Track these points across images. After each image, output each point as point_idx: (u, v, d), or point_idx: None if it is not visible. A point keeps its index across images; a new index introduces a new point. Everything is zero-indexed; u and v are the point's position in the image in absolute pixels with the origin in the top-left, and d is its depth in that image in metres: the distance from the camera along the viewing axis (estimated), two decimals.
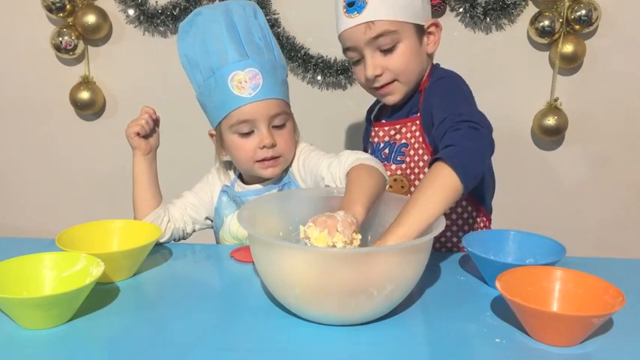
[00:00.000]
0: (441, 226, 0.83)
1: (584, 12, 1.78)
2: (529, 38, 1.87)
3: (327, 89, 1.96)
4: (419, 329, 0.81)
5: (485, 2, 1.82)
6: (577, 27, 1.80)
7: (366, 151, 1.33)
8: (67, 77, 2.01)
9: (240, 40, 1.10)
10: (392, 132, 1.18)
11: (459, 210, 1.16)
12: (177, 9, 1.90)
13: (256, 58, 1.10)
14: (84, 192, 2.12)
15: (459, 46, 1.85)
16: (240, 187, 1.21)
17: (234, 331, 0.80)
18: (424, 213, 0.84)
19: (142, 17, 1.94)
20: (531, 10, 1.84)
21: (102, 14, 1.94)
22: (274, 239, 0.85)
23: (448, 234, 1.17)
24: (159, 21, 1.92)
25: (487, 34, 1.88)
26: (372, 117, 1.29)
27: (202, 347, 0.75)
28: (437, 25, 1.16)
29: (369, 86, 1.16)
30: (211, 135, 1.21)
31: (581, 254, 1.09)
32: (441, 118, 0.99)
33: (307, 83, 1.95)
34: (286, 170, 1.18)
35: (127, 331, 0.80)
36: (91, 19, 1.92)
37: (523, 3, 1.83)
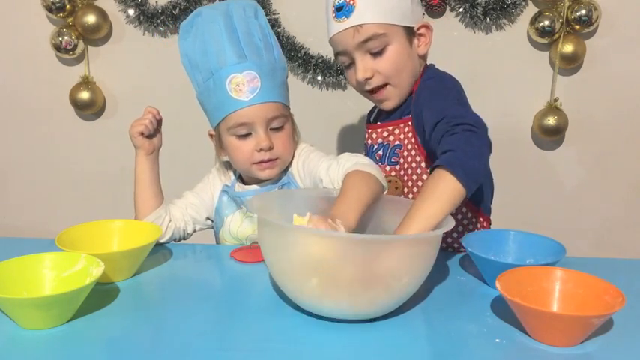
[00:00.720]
0: (451, 223, 0.83)
1: (584, 12, 1.78)
2: (529, 38, 1.87)
3: (327, 89, 1.96)
4: (419, 329, 0.81)
5: (486, 2, 1.82)
6: (577, 27, 1.80)
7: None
8: (67, 77, 2.01)
9: (239, 41, 1.10)
10: (385, 134, 1.19)
11: (459, 217, 1.16)
12: (177, 9, 1.90)
13: (255, 60, 1.09)
14: (84, 192, 2.12)
15: (459, 46, 1.85)
16: (239, 187, 1.21)
17: (235, 331, 0.80)
18: (429, 219, 0.84)
19: (142, 17, 1.94)
20: (531, 10, 1.84)
21: (102, 14, 1.94)
22: (291, 224, 0.84)
23: (449, 240, 1.17)
24: (159, 21, 1.92)
25: (487, 34, 1.88)
26: (372, 119, 1.29)
27: (202, 347, 0.75)
28: (427, 26, 1.16)
29: (361, 89, 1.17)
30: (211, 135, 1.21)
31: (581, 254, 1.10)
32: (434, 122, 0.98)
33: (307, 83, 1.95)
34: (285, 171, 1.18)
35: (127, 331, 0.80)
36: (91, 19, 1.92)
37: (523, 3, 1.83)
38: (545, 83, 1.89)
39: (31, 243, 1.11)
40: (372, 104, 1.32)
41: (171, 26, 1.94)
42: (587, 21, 1.79)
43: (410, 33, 1.13)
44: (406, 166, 1.15)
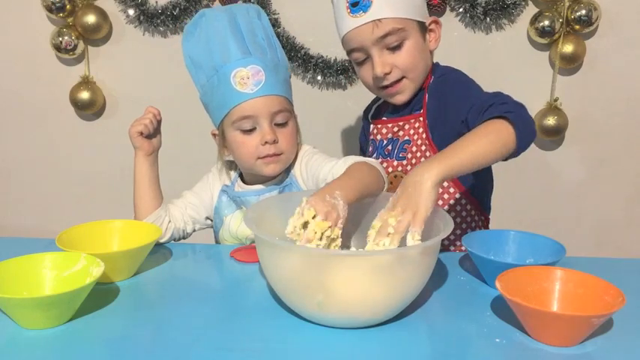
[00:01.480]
0: (449, 227, 0.83)
1: (584, 12, 1.78)
2: (529, 38, 1.87)
3: (327, 89, 1.96)
4: (419, 329, 0.81)
5: (486, 2, 1.82)
6: (577, 27, 1.80)
7: (363, 150, 1.33)
8: (67, 77, 2.01)
9: (243, 38, 1.10)
10: (395, 129, 1.19)
11: (458, 208, 1.16)
12: (178, 9, 1.90)
13: (259, 56, 1.10)
14: (84, 192, 2.12)
15: (459, 46, 1.85)
16: (240, 186, 1.21)
17: (234, 331, 0.80)
18: (473, 156, 0.85)
19: (142, 17, 1.94)
20: (531, 10, 1.84)
21: (102, 14, 1.94)
22: (299, 244, 0.83)
23: (448, 241, 1.17)
24: (159, 21, 1.92)
25: (487, 34, 1.88)
26: (370, 116, 1.29)
27: (202, 347, 0.75)
28: (437, 22, 1.17)
29: (378, 85, 1.16)
30: (214, 135, 1.20)
31: (581, 254, 1.10)
32: (471, 104, 1.00)
33: (307, 83, 1.95)
34: (288, 172, 1.18)
35: (127, 331, 0.80)
36: (91, 19, 1.92)
37: (523, 3, 1.83)
38: (545, 83, 1.89)
39: (31, 243, 1.11)
40: (369, 101, 1.33)
41: (171, 26, 1.94)
42: (587, 21, 1.78)
43: (423, 28, 1.14)
44: (414, 161, 1.15)
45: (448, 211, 1.16)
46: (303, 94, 1.90)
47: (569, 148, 1.94)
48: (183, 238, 1.23)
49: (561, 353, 0.74)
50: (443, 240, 1.16)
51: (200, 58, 1.12)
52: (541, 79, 1.89)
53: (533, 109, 1.90)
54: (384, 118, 1.23)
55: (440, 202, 1.15)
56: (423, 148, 1.14)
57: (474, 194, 1.16)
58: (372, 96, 1.30)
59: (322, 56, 1.90)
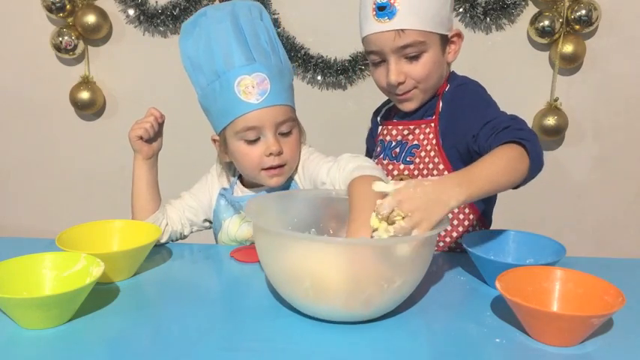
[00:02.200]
0: (445, 224, 0.83)
1: (584, 12, 1.78)
2: (529, 38, 1.87)
3: (327, 89, 1.96)
4: (419, 329, 0.81)
5: (486, 2, 1.82)
6: (577, 27, 1.80)
7: (370, 151, 1.32)
8: (67, 77, 2.01)
9: (246, 42, 1.07)
10: (405, 132, 1.18)
11: (461, 216, 1.16)
12: (177, 9, 1.91)
13: (263, 62, 1.07)
14: (84, 192, 2.12)
15: None
16: (240, 190, 1.20)
17: (234, 331, 0.80)
18: (493, 184, 0.87)
19: (142, 17, 1.94)
20: (531, 10, 1.84)
21: (102, 14, 1.94)
22: (286, 230, 0.86)
23: (447, 239, 1.17)
24: (159, 21, 1.93)
25: (487, 34, 1.88)
26: (381, 117, 1.28)
27: (202, 347, 0.75)
28: (459, 35, 1.16)
29: (389, 91, 1.16)
30: (214, 140, 1.18)
31: (581, 254, 1.09)
32: (485, 121, 1.00)
33: (307, 83, 1.95)
34: (290, 177, 1.16)
35: (127, 331, 0.80)
36: (91, 19, 1.92)
37: (523, 3, 1.83)
38: (545, 83, 1.89)
39: (31, 243, 1.11)
40: (372, 102, 1.32)
41: (171, 26, 1.94)
42: (587, 21, 1.79)
43: (444, 41, 1.13)
44: (422, 166, 1.15)
45: (450, 218, 1.16)
46: (303, 94, 1.90)
47: (569, 148, 1.94)
48: (182, 239, 1.23)
49: (561, 353, 0.74)
50: (443, 241, 1.18)
51: (200, 59, 1.09)
52: (541, 79, 1.89)
53: (533, 109, 1.90)
54: (395, 120, 1.23)
55: (449, 215, 1.15)
56: (432, 154, 1.13)
57: (477, 205, 1.16)
58: (372, 97, 1.30)
59: (322, 56, 1.90)
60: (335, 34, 1.95)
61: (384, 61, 1.12)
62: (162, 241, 1.16)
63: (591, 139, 1.93)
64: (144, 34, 1.98)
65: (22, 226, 2.17)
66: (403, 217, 0.79)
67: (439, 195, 0.82)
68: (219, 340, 0.77)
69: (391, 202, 0.80)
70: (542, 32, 1.80)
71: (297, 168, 1.17)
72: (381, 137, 1.25)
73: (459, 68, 1.20)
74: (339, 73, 1.90)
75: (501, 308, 0.84)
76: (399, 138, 1.19)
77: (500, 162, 0.89)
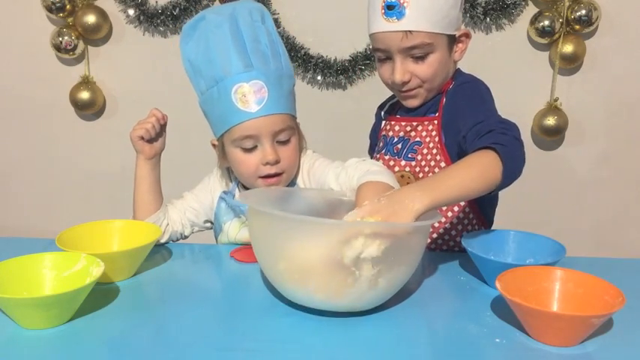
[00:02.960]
0: (437, 216, 0.84)
1: (584, 12, 1.78)
2: (529, 38, 1.87)
3: (327, 89, 1.96)
4: (419, 329, 0.81)
5: (486, 2, 1.82)
6: (577, 27, 1.80)
7: (374, 146, 1.32)
8: (67, 77, 2.01)
9: (245, 48, 1.06)
10: (408, 128, 1.18)
11: (461, 216, 1.16)
12: (177, 9, 1.91)
13: (261, 68, 1.06)
14: (84, 192, 2.12)
15: None
16: (240, 194, 1.19)
17: (234, 331, 0.80)
18: (461, 191, 0.86)
19: (142, 17, 1.94)
20: (531, 10, 1.84)
21: (102, 14, 1.94)
22: (270, 209, 0.86)
23: (446, 237, 1.17)
24: (159, 21, 1.93)
25: (487, 34, 1.88)
26: (384, 112, 1.29)
27: (202, 347, 0.75)
28: (468, 35, 1.16)
29: (394, 88, 1.16)
30: (214, 145, 1.18)
31: (581, 254, 1.09)
32: (475, 122, 1.00)
33: (307, 83, 1.95)
34: (292, 182, 1.16)
35: (127, 331, 0.80)
36: (91, 19, 1.92)
37: (523, 3, 1.83)
38: (545, 83, 1.89)
39: (31, 243, 1.11)
40: (373, 100, 1.32)
41: (171, 26, 1.94)
42: (587, 21, 1.79)
43: (452, 41, 1.13)
44: (423, 163, 1.15)
45: (451, 220, 1.16)
46: (303, 94, 1.89)
47: (569, 148, 1.95)
48: (182, 239, 1.23)
49: (561, 353, 0.74)
50: (443, 241, 1.18)
51: (199, 63, 1.08)
52: (541, 79, 1.89)
53: (533, 109, 1.90)
54: (398, 116, 1.23)
55: (450, 214, 1.15)
56: (434, 151, 1.13)
57: (478, 204, 1.16)
58: (372, 97, 1.30)
59: (322, 56, 1.90)
60: (335, 34, 1.95)
61: (389, 58, 1.12)
62: (163, 241, 1.16)
63: (591, 139, 1.93)
64: (144, 34, 1.98)
65: (22, 226, 2.17)
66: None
67: (402, 200, 0.83)
68: (219, 339, 0.78)
69: (359, 214, 0.82)
70: (542, 32, 1.80)
71: (298, 172, 1.16)
72: (383, 132, 1.25)
73: (459, 67, 1.20)
74: (339, 73, 1.90)
75: (501, 308, 0.84)
76: (401, 134, 1.20)
77: (471, 168, 0.89)
